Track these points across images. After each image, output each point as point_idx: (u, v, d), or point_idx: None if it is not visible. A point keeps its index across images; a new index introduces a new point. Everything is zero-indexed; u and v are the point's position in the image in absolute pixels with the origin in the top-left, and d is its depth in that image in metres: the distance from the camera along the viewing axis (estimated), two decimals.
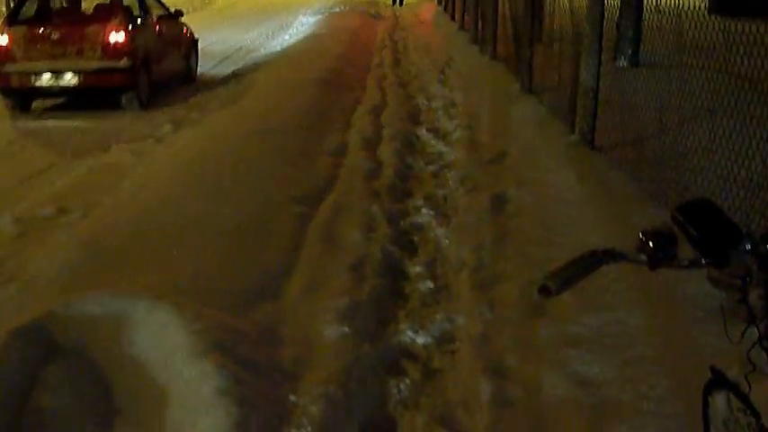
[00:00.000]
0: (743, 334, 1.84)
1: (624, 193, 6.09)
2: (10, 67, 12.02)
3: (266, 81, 13.52)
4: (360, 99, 11.94)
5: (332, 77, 13.38)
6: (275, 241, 5.74)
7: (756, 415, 1.91)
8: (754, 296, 1.73)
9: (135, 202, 6.78)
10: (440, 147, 8.95)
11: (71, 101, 12.83)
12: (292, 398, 3.70)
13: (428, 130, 9.80)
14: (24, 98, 12.43)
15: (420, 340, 4.54)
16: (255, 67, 16.05)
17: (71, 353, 4.01)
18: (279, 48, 19.29)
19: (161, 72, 13.28)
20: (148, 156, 9.09)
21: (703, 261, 1.76)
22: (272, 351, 4.16)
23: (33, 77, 11.97)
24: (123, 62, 12.02)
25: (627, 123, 7.09)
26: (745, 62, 5.08)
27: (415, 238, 6.20)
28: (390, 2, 32.06)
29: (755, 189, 5.00)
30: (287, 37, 21.91)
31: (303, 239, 5.86)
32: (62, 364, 3.93)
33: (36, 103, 12.72)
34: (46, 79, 11.97)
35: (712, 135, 5.57)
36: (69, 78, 12.00)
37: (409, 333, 4.59)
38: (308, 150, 8.39)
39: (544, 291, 1.75)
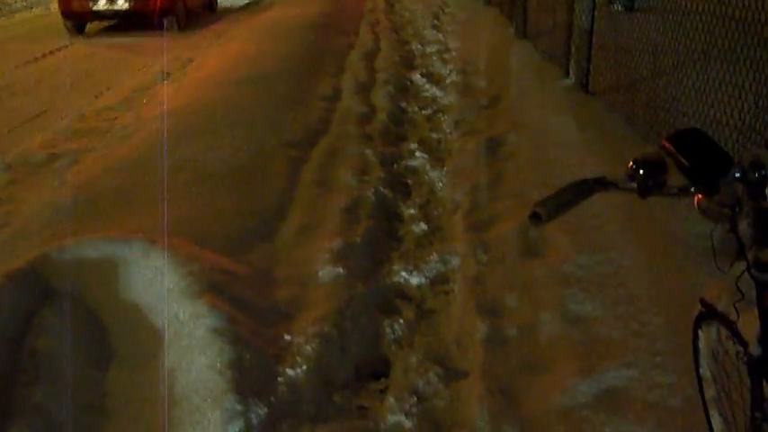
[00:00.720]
0: (732, 263, 1.85)
1: (619, 136, 6.09)
2: None
3: (258, 26, 13.41)
4: (353, 44, 11.84)
5: (324, 22, 13.26)
6: (269, 184, 5.73)
7: (744, 344, 1.94)
8: (743, 225, 1.72)
9: (128, 145, 6.75)
10: (434, 91, 8.89)
11: (115, 26, 15.31)
12: (287, 337, 3.72)
13: (422, 74, 9.72)
14: (82, 21, 14.89)
15: (414, 281, 4.55)
16: (249, 10, 16.00)
17: (66, 296, 4.01)
18: None
19: (193, 0, 15.73)
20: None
21: (693, 189, 1.75)
22: (267, 292, 4.18)
23: (91, 3, 14.33)
24: None
25: (621, 67, 7.05)
26: (740, 4, 5.05)
27: (409, 181, 6.19)
28: None
29: (747, 132, 4.99)
30: None
31: (297, 182, 5.86)
32: (57, 308, 3.93)
33: (89, 27, 15.11)
34: (102, 4, 14.37)
35: (706, 78, 5.55)
36: (121, 3, 14.41)
37: (403, 274, 4.59)
38: (302, 95, 8.33)
39: (535, 217, 1.76)
